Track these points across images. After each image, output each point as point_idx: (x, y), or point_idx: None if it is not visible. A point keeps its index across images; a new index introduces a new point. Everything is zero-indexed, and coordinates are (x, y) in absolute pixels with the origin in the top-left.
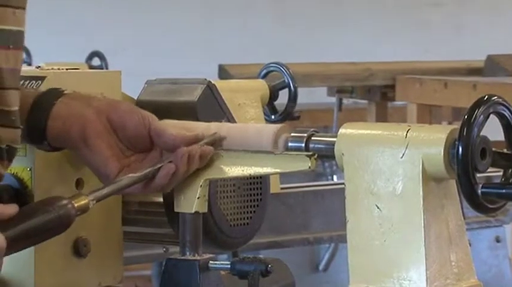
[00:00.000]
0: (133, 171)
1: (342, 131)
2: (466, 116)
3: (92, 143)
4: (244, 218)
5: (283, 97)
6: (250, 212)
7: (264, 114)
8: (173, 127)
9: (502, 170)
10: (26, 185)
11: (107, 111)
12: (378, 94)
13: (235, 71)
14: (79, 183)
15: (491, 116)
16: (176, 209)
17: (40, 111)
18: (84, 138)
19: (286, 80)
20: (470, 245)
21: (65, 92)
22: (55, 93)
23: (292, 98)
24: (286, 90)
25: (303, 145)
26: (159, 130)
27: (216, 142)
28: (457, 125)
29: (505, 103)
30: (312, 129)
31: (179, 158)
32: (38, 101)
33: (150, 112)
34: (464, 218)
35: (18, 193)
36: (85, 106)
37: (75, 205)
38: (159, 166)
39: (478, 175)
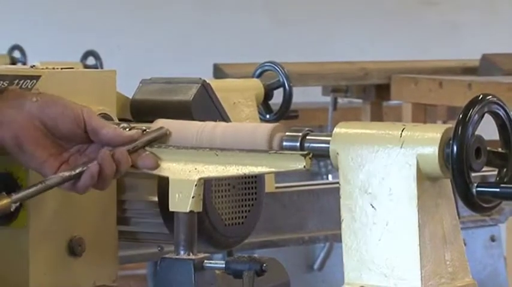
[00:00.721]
0: (71, 165)
1: (336, 130)
2: (460, 115)
3: (27, 149)
4: (239, 218)
5: (278, 96)
6: (245, 211)
7: (259, 113)
8: (108, 125)
9: (496, 169)
10: (21, 184)
11: (38, 114)
12: (372, 93)
13: (230, 70)
14: None
15: (486, 115)
16: (171, 209)
17: None
18: (18, 145)
19: (281, 80)
20: (465, 244)
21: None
22: None
23: (287, 97)
24: (281, 89)
25: (298, 144)
26: (95, 128)
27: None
28: (451, 125)
29: (499, 102)
30: (306, 129)
31: (102, 159)
32: None
33: (145, 111)
34: (459, 218)
35: (13, 192)
36: (18, 111)
37: None
38: (88, 166)
39: (473, 174)
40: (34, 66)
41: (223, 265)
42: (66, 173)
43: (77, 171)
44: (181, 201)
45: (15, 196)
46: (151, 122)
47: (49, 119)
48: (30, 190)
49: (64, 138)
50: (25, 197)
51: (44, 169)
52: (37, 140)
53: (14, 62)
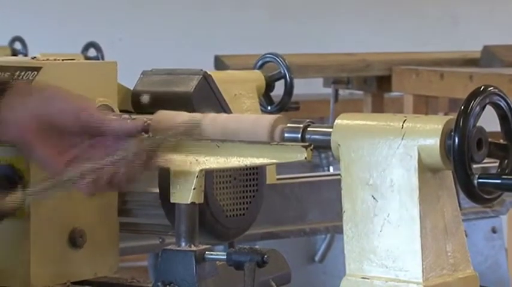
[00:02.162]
0: (81, 161)
1: (338, 122)
2: (462, 107)
3: (32, 146)
4: (240, 209)
5: (279, 88)
6: (247, 202)
7: (260, 105)
8: (109, 119)
9: (498, 161)
10: (22, 175)
11: (41, 112)
12: (374, 85)
13: (231, 61)
14: None
15: (488, 106)
16: (172, 200)
17: None
18: (24, 142)
19: (282, 71)
20: (466, 236)
21: (9, 84)
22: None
23: (288, 89)
24: (282, 81)
25: (299, 135)
26: (97, 123)
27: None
28: (453, 116)
29: (501, 94)
30: (308, 120)
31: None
32: None
33: (147, 103)
34: (460, 209)
35: (14, 184)
36: (22, 108)
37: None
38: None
39: (474, 165)
40: (35, 57)
41: (225, 257)
42: (76, 173)
43: (90, 168)
44: (183, 192)
45: (28, 194)
46: (153, 113)
47: (49, 117)
48: (44, 185)
49: (68, 133)
50: (37, 195)
51: (49, 165)
52: (42, 138)
53: (15, 53)
